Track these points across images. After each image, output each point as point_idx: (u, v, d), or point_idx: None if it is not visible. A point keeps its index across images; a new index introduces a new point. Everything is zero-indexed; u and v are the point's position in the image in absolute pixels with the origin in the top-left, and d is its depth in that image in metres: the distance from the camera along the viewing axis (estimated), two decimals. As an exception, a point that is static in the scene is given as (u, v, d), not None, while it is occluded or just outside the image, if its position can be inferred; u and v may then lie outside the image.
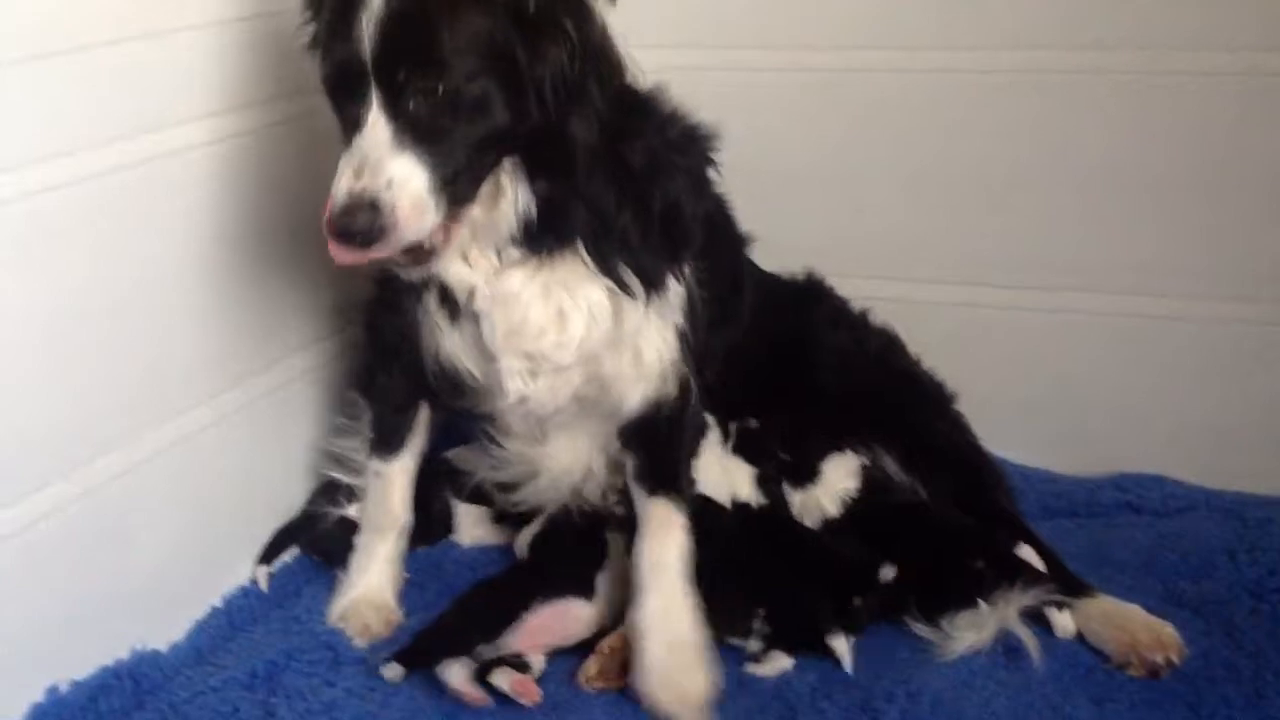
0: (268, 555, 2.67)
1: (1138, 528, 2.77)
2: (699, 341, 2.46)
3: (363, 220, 1.99)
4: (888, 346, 2.85)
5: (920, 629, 2.41)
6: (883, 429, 2.71)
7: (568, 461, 2.58)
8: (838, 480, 2.64)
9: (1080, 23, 2.84)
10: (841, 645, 2.31)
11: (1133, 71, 2.83)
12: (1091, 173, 2.93)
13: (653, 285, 2.31)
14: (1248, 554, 2.60)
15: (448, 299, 2.34)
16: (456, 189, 2.07)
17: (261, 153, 2.56)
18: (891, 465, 2.69)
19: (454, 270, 2.25)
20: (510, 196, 2.18)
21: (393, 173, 2.00)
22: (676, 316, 2.39)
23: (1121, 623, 2.38)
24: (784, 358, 2.78)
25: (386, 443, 2.57)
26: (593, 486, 2.59)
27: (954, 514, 2.60)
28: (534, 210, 2.18)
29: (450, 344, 2.38)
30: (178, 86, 2.37)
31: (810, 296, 2.89)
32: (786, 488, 2.66)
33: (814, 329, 2.82)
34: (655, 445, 2.45)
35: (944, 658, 2.34)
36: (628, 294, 2.27)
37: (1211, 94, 2.79)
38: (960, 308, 3.08)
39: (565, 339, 2.28)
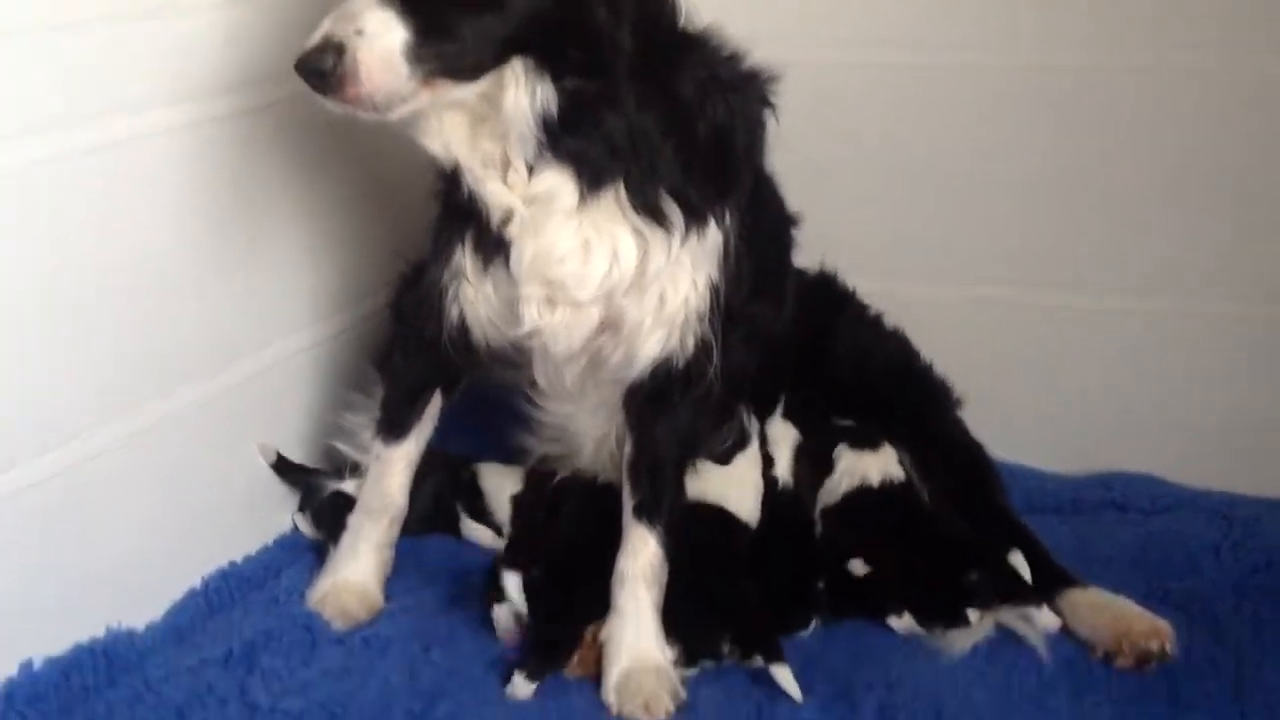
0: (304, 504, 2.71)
1: (1124, 525, 2.77)
2: (737, 304, 2.39)
3: (323, 61, 1.98)
4: (903, 348, 2.86)
5: (902, 630, 2.41)
6: (897, 427, 2.72)
7: (606, 426, 2.55)
8: (892, 461, 2.66)
9: (1101, 22, 2.84)
10: (785, 676, 2.24)
11: (1148, 70, 2.84)
12: (1090, 172, 2.93)
13: (693, 218, 2.23)
14: (1232, 552, 2.60)
15: (483, 244, 2.30)
16: (444, 60, 2.03)
17: (256, 132, 2.55)
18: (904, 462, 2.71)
19: (491, 189, 2.20)
20: (524, 88, 2.10)
21: (365, 24, 1.98)
22: (711, 266, 2.31)
23: (1116, 611, 2.38)
24: (808, 350, 2.79)
25: (393, 426, 2.54)
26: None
27: (955, 523, 2.60)
28: (555, 108, 2.10)
29: (474, 298, 2.34)
30: (163, 67, 2.35)
31: (832, 292, 2.90)
32: (845, 449, 2.67)
33: (836, 326, 2.83)
34: (654, 434, 2.40)
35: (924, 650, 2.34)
36: (664, 227, 2.20)
37: (1223, 96, 2.80)
38: (949, 306, 3.06)
39: (585, 272, 2.22)
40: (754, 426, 2.67)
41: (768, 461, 2.66)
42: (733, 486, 2.57)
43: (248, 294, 2.61)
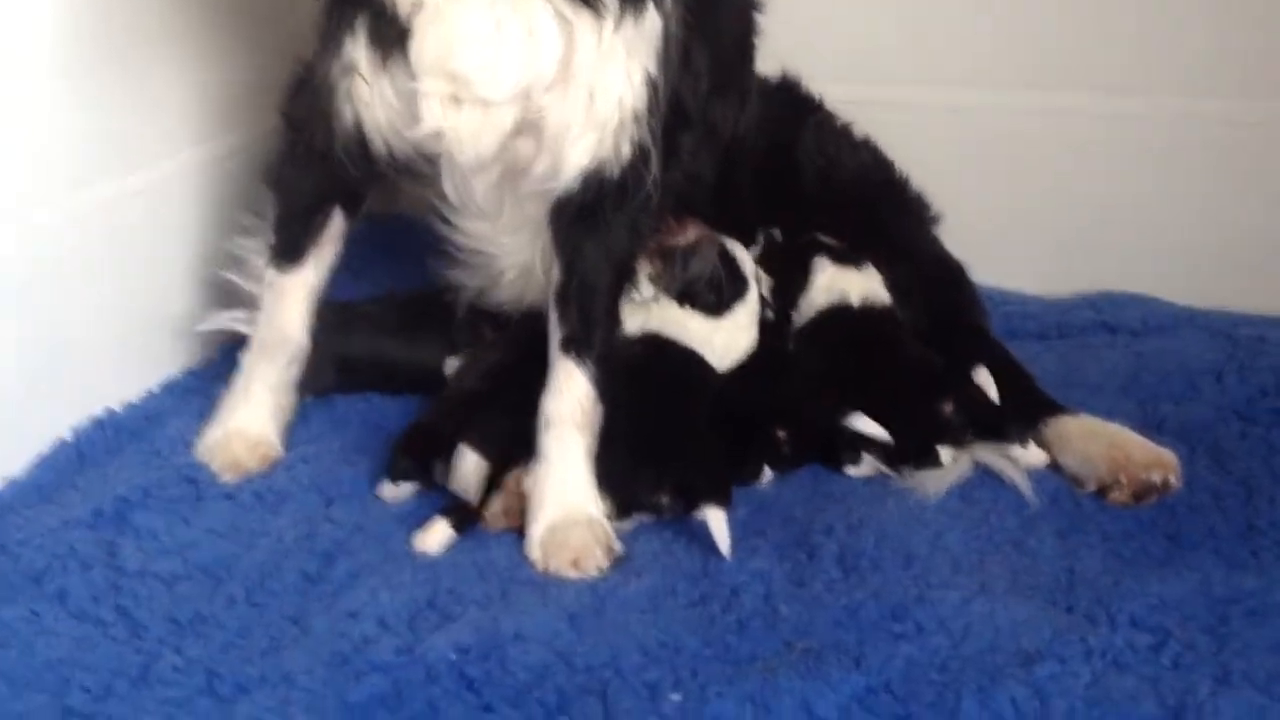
0: None
1: (1114, 348, 2.59)
2: (694, 102, 2.24)
3: None
4: (876, 158, 2.67)
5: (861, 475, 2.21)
6: (869, 243, 2.53)
7: (528, 250, 2.31)
8: (876, 282, 2.48)
9: None
10: (717, 521, 2.01)
11: None
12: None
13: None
14: (1237, 374, 2.41)
15: (380, 33, 2.02)
16: None
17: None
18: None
19: None
20: None
21: None
22: (648, 57, 2.07)
23: (1112, 439, 2.19)
24: (768, 163, 2.59)
25: (287, 250, 2.29)
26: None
27: (928, 351, 2.40)
28: None
29: (369, 98, 2.08)
30: None
31: (795, 99, 2.69)
32: (825, 261, 2.47)
33: (800, 135, 2.63)
34: (584, 256, 2.15)
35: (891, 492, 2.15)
36: (593, 8, 1.95)
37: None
38: (919, 112, 2.85)
39: (495, 64, 1.97)
40: (751, 268, 2.43)
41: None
42: (720, 334, 2.34)
43: (124, 107, 2.38)
